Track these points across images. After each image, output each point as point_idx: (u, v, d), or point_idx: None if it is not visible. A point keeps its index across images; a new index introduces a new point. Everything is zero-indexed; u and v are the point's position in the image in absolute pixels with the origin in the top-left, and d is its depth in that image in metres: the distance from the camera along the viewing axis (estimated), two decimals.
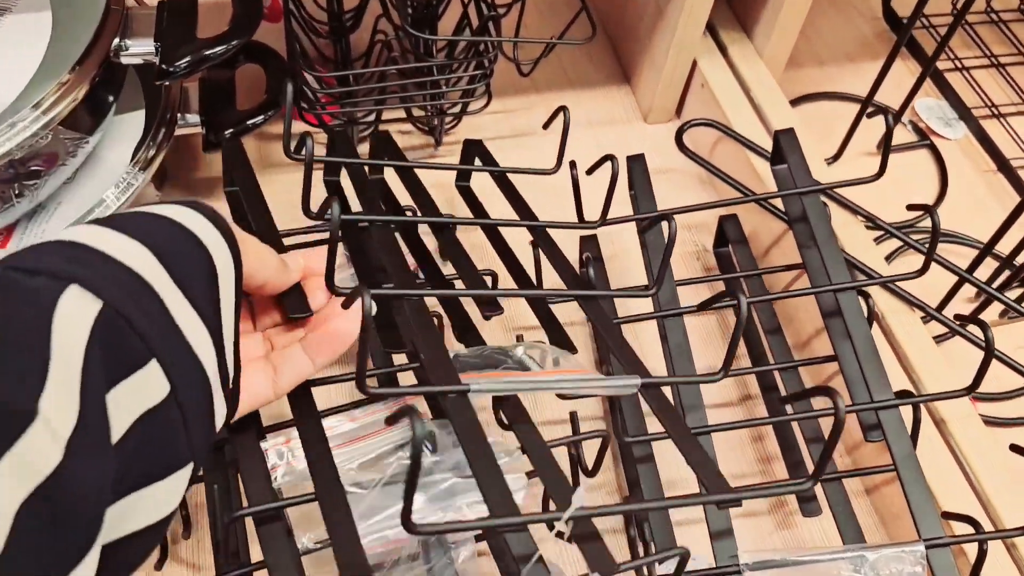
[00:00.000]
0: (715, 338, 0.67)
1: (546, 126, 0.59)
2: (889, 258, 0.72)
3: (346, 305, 0.39)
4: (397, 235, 0.52)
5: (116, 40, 0.57)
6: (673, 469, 0.55)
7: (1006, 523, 0.53)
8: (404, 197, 0.57)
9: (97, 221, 0.34)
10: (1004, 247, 0.64)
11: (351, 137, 0.72)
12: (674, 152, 0.72)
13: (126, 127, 0.63)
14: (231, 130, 0.64)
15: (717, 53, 0.78)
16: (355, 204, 0.55)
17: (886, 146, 0.58)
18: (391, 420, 0.34)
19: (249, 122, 0.64)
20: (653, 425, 0.49)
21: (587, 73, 0.83)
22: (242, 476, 0.39)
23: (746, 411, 0.63)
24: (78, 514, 0.28)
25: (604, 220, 0.54)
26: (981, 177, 0.81)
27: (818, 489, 0.55)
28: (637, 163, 0.61)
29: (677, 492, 0.53)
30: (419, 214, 0.56)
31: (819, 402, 0.63)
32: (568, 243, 0.59)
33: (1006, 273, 0.66)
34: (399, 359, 0.51)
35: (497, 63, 0.69)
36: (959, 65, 0.88)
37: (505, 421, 0.43)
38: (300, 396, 0.41)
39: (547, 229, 0.54)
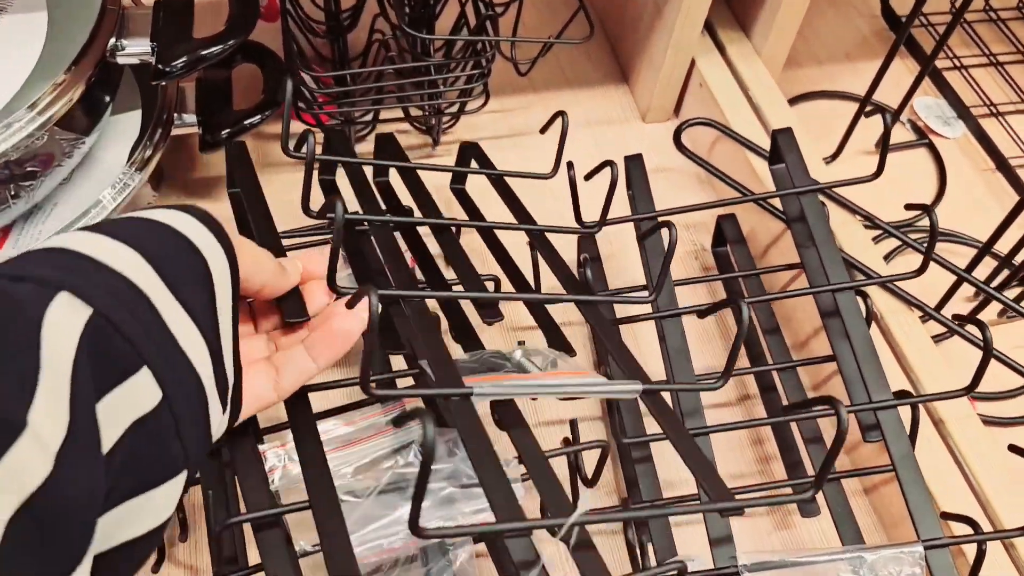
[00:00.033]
0: (714, 339, 0.67)
1: (544, 130, 0.58)
2: (888, 257, 0.72)
3: (351, 305, 0.39)
4: (397, 235, 0.51)
5: (112, 40, 0.57)
6: (672, 470, 0.55)
7: (1005, 523, 0.53)
8: (404, 197, 0.57)
9: (88, 227, 0.34)
10: (1003, 246, 0.64)
11: (348, 137, 0.72)
12: (672, 151, 0.71)
13: (122, 127, 0.63)
14: (228, 130, 0.64)
15: (715, 52, 0.78)
16: (352, 203, 0.55)
17: (884, 145, 0.58)
18: (399, 422, 0.34)
19: (246, 122, 0.64)
20: (651, 425, 0.49)
21: (585, 72, 0.83)
22: (239, 480, 0.39)
23: (745, 411, 0.63)
24: (69, 525, 0.28)
25: (602, 224, 0.54)
26: (980, 176, 0.81)
27: None
28: (635, 163, 0.61)
29: (676, 493, 0.53)
30: (420, 215, 0.56)
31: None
32: (565, 241, 0.59)
33: (1005, 272, 0.66)
34: (396, 360, 0.51)
35: (495, 62, 0.69)
36: (958, 64, 0.88)
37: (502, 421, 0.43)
38: (296, 402, 0.41)
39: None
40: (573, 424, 0.52)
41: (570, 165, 0.54)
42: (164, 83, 0.62)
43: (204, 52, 0.58)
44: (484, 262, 0.57)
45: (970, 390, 0.53)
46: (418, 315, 0.44)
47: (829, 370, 0.62)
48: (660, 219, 0.55)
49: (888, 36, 0.91)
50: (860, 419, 0.55)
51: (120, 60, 0.58)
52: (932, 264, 0.56)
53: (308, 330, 0.42)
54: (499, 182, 0.58)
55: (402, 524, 0.38)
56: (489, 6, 0.69)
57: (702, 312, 0.53)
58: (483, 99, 0.72)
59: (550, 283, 0.55)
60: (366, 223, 0.52)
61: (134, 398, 0.31)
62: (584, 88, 0.82)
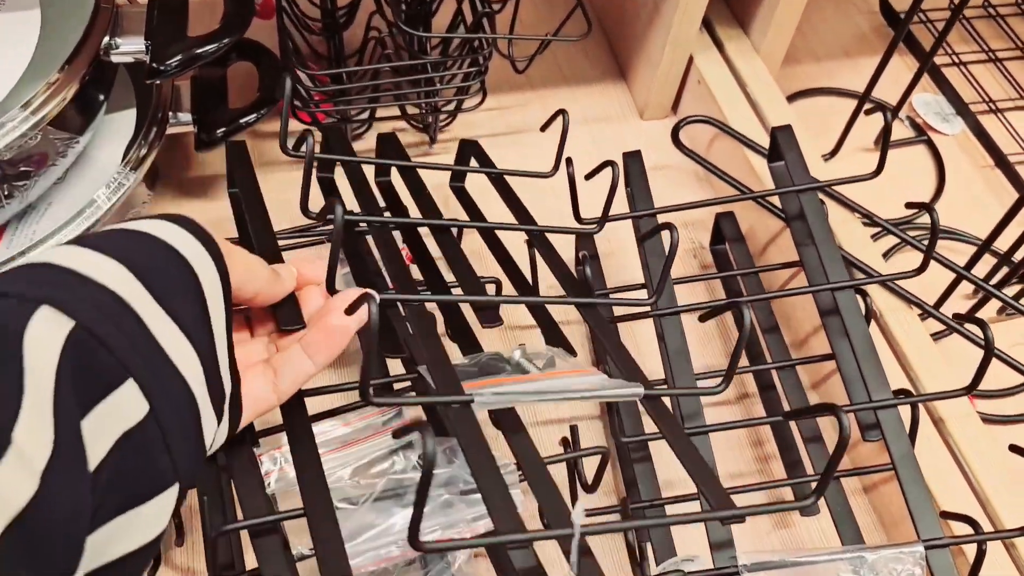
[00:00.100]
0: (713, 338, 0.67)
1: (544, 128, 0.58)
2: (887, 254, 0.72)
3: (350, 312, 0.39)
4: (396, 235, 0.51)
5: (106, 38, 0.57)
6: (671, 469, 0.55)
7: (1005, 523, 0.53)
8: (403, 196, 0.57)
9: (72, 241, 0.33)
10: (1002, 243, 0.63)
11: (346, 135, 0.72)
12: (670, 149, 0.71)
13: (117, 126, 0.62)
14: (223, 129, 0.63)
15: (713, 49, 0.77)
16: (350, 202, 0.54)
17: (884, 144, 0.58)
18: (398, 434, 0.33)
19: (242, 120, 0.64)
20: (650, 424, 0.48)
21: (583, 70, 0.83)
22: (235, 485, 0.39)
23: (744, 409, 0.63)
24: (56, 544, 0.27)
25: (603, 222, 0.54)
26: (979, 173, 0.81)
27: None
28: (633, 160, 0.61)
29: (675, 492, 0.53)
30: (419, 214, 0.55)
31: (817, 397, 0.63)
32: (564, 239, 0.58)
33: (1004, 270, 0.66)
34: (393, 364, 0.51)
35: (492, 60, 0.68)
36: (956, 60, 0.88)
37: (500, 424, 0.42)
38: (292, 405, 0.40)
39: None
40: (573, 429, 0.52)
41: (569, 162, 0.54)
42: (159, 82, 0.62)
43: (199, 50, 0.57)
44: (483, 261, 0.57)
45: (970, 390, 0.53)
46: (417, 319, 0.44)
47: (828, 369, 0.61)
48: (661, 220, 0.55)
49: (887, 32, 0.91)
50: (860, 418, 0.54)
51: (114, 59, 0.57)
52: (931, 262, 0.56)
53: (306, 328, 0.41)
54: (499, 180, 0.57)
55: (399, 532, 0.38)
56: (486, 3, 0.69)
57: (703, 316, 0.53)
58: (480, 97, 0.72)
59: (549, 281, 0.55)
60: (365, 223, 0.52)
61: (120, 411, 0.30)
62: (582, 85, 0.82)
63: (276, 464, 0.40)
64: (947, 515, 0.51)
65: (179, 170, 0.70)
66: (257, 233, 0.46)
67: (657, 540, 0.50)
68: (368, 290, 0.40)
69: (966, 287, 0.68)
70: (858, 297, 0.57)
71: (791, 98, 0.82)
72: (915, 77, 0.69)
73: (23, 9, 0.56)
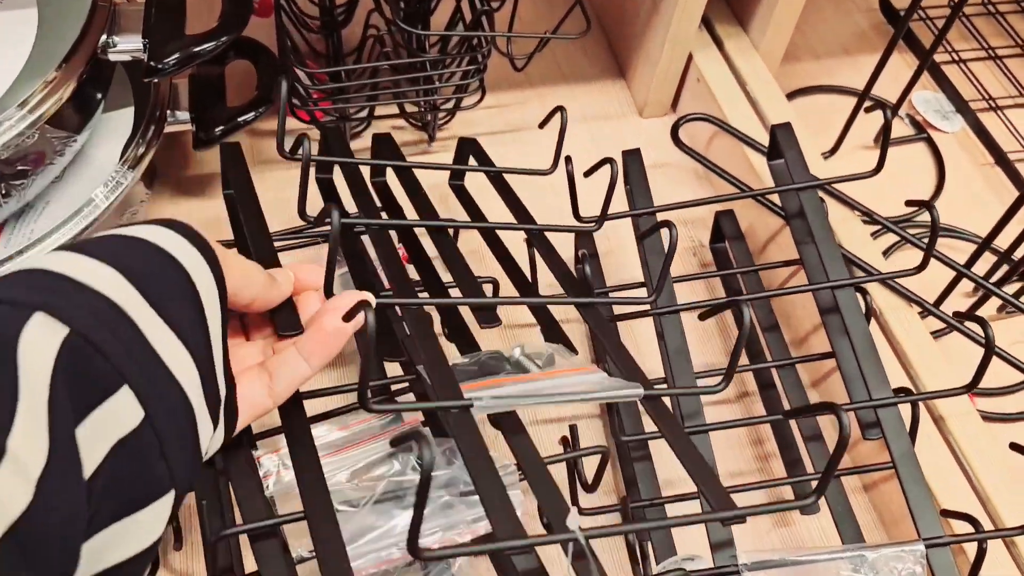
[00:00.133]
0: (713, 337, 0.66)
1: (542, 125, 0.58)
2: (887, 252, 0.72)
3: (348, 319, 0.38)
4: (393, 235, 0.51)
5: (103, 37, 0.56)
6: (671, 468, 0.55)
7: (1006, 521, 0.53)
8: (401, 197, 0.56)
9: (66, 246, 0.33)
10: (1002, 241, 0.63)
11: (344, 134, 0.71)
12: (670, 147, 0.71)
13: (115, 125, 0.62)
14: (221, 127, 0.63)
15: (713, 47, 0.77)
16: (347, 201, 0.54)
17: (884, 141, 0.58)
18: (396, 442, 0.33)
19: (240, 119, 0.63)
20: (650, 423, 0.48)
21: (582, 67, 0.83)
22: (233, 489, 0.38)
23: (743, 408, 0.63)
24: (52, 552, 0.27)
25: (602, 220, 0.54)
26: (978, 170, 0.81)
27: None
28: (633, 158, 0.61)
29: (675, 491, 0.52)
30: (416, 215, 0.55)
31: (817, 395, 0.63)
32: (563, 236, 0.58)
33: (1004, 268, 0.65)
34: (391, 366, 0.51)
35: (491, 58, 0.68)
36: (956, 58, 0.88)
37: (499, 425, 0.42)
38: (290, 407, 0.40)
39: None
40: (573, 429, 0.51)
41: (568, 160, 0.54)
42: (156, 80, 0.62)
43: (197, 49, 0.57)
44: (483, 260, 0.57)
45: (971, 388, 0.53)
46: (415, 320, 0.43)
47: (828, 367, 0.61)
48: (660, 218, 0.55)
49: (886, 30, 0.91)
50: (860, 416, 0.54)
51: (112, 57, 0.57)
52: (931, 260, 0.56)
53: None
54: (497, 178, 0.57)
55: (400, 534, 0.38)
56: (485, 1, 0.69)
57: (702, 315, 0.53)
58: (479, 95, 0.72)
59: (548, 279, 0.55)
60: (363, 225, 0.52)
61: (115, 418, 0.30)
62: (581, 83, 0.81)
63: (274, 467, 0.40)
64: (947, 513, 0.51)
65: (177, 169, 0.70)
66: (253, 235, 0.46)
67: (657, 540, 0.50)
68: (365, 294, 0.40)
69: (966, 285, 0.67)
70: (858, 295, 0.57)
71: (791, 96, 0.82)
72: (915, 75, 0.69)
73: (20, 8, 0.56)
